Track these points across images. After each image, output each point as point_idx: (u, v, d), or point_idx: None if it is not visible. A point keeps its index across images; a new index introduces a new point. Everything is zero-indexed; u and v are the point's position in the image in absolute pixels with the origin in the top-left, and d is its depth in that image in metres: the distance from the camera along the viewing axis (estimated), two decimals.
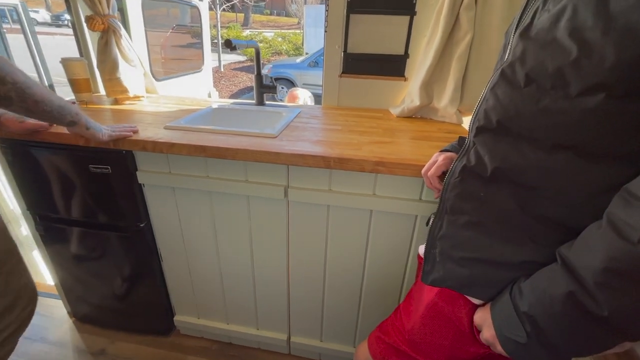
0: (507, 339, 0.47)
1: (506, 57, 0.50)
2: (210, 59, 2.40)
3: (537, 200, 0.46)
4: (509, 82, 0.47)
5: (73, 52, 1.51)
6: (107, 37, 1.27)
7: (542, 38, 0.42)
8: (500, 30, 1.13)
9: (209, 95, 2.45)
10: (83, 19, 1.33)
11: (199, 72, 2.30)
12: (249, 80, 9.13)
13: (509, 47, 0.50)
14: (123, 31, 1.30)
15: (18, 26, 2.67)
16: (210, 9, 11.02)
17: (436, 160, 0.73)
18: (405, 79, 1.37)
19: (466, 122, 1.29)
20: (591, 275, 0.37)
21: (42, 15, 14.82)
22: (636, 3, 0.33)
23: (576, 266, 0.40)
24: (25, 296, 0.90)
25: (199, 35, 2.29)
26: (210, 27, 2.46)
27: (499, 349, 0.50)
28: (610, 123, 0.38)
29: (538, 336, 0.44)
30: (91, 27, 1.22)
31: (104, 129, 0.93)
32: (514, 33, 0.49)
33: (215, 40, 10.79)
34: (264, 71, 7.02)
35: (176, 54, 2.26)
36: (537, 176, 0.45)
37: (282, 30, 16.05)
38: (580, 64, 0.38)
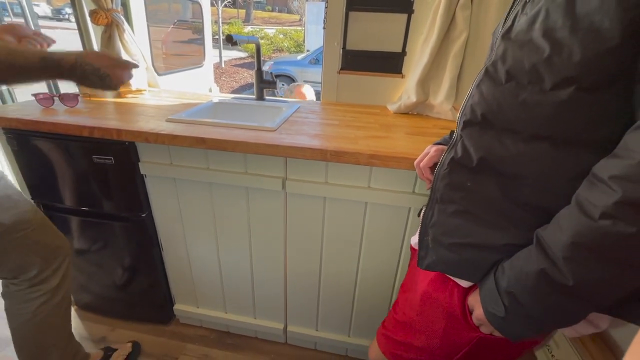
0: (490, 314, 0.52)
1: (493, 56, 0.53)
2: (211, 55, 2.42)
3: (518, 187, 0.49)
4: (492, 79, 0.51)
5: (73, 46, 1.53)
6: (111, 31, 1.29)
7: (520, 39, 0.47)
8: (494, 29, 1.16)
9: (210, 91, 2.47)
10: (87, 13, 1.35)
11: (199, 67, 2.33)
12: (250, 76, 9.13)
13: (495, 47, 0.53)
14: (126, 25, 1.33)
15: (19, 19, 2.69)
16: (212, 4, 10.98)
17: (428, 152, 0.76)
18: (403, 76, 1.40)
19: None
20: (560, 250, 0.42)
21: (43, 9, 14.76)
22: (598, 6, 0.38)
23: (548, 243, 0.44)
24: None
25: (200, 30, 2.31)
26: (211, 23, 2.48)
27: (487, 324, 0.54)
28: (581, 113, 0.42)
29: (515, 310, 0.48)
30: (95, 21, 1.25)
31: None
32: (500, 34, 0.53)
33: (217, 36, 10.78)
34: (265, 68, 7.04)
35: (177, 50, 2.28)
36: (518, 165, 0.49)
37: (284, 27, 16.03)
38: (552, 61, 0.43)
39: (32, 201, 0.91)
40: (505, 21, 0.53)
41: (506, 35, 0.49)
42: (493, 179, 0.52)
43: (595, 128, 0.42)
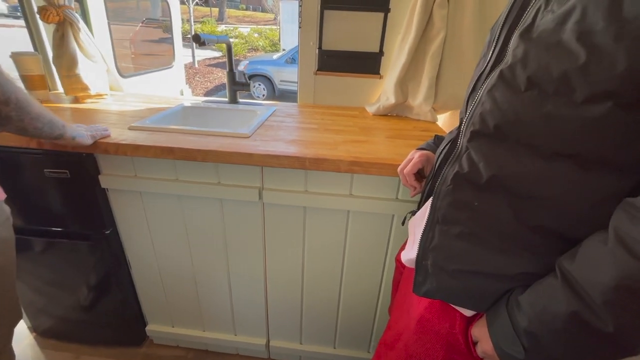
0: (505, 354, 0.47)
1: (490, 53, 0.48)
2: (181, 55, 2.30)
3: (534, 210, 0.44)
4: (509, 85, 0.44)
5: (29, 46, 1.39)
6: (64, 29, 1.17)
7: (545, 40, 0.40)
8: (471, 28, 1.14)
9: (181, 93, 2.35)
10: (36, 10, 1.23)
11: (169, 68, 2.20)
12: (225, 76, 8.91)
13: (493, 44, 0.48)
14: (82, 24, 1.21)
15: None
16: (182, 2, 10.63)
17: (412, 157, 0.73)
18: (381, 77, 1.36)
19: (440, 119, 1.31)
20: (599, 293, 0.37)
21: None
22: None
23: (581, 283, 0.39)
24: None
25: (170, 29, 2.19)
26: (183, 22, 2.36)
27: (494, 358, 0.49)
28: (613, 132, 0.37)
29: (537, 351, 0.43)
30: (44, 19, 1.13)
31: (84, 132, 0.86)
32: (500, 30, 0.47)
33: (189, 35, 10.44)
34: (240, 68, 6.86)
35: (147, 49, 2.15)
36: (535, 185, 0.43)
37: (259, 26, 15.80)
38: (589, 70, 0.36)
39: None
40: (508, 14, 0.47)
41: (526, 34, 0.42)
42: (504, 199, 0.46)
43: (628, 149, 0.37)
